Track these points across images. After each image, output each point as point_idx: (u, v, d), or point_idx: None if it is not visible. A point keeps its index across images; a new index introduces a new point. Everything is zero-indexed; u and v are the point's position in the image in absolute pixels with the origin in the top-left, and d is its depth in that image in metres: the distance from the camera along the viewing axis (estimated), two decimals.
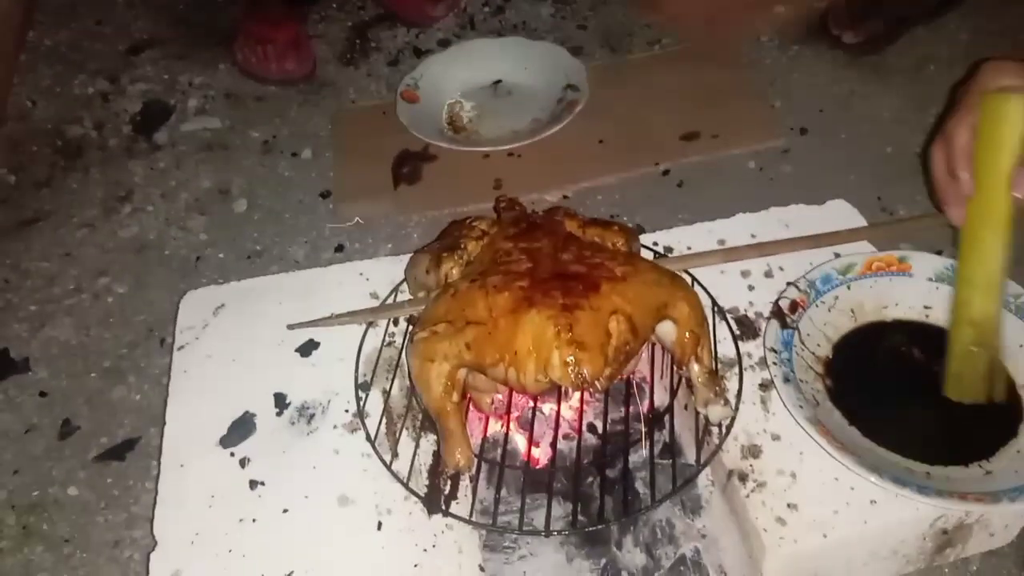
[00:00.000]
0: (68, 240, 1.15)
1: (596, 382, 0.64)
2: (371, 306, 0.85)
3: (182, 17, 1.54)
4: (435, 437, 0.74)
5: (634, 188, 1.18)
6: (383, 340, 0.82)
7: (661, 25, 1.46)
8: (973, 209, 0.72)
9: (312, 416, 0.77)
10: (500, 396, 0.78)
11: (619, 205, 1.15)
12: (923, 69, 1.33)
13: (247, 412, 0.78)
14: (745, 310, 0.83)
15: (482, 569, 0.68)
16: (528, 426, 0.78)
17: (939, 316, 0.80)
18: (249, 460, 0.74)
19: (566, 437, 0.80)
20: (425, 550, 0.68)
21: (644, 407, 0.82)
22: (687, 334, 0.71)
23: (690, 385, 0.73)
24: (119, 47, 1.49)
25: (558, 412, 0.78)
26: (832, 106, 1.28)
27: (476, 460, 0.72)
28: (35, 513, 0.86)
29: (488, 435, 0.79)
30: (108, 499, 0.87)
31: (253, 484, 0.73)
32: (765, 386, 0.77)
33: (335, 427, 0.76)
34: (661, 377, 0.82)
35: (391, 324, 0.84)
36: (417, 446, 0.74)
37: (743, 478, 0.71)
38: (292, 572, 0.67)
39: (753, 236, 0.89)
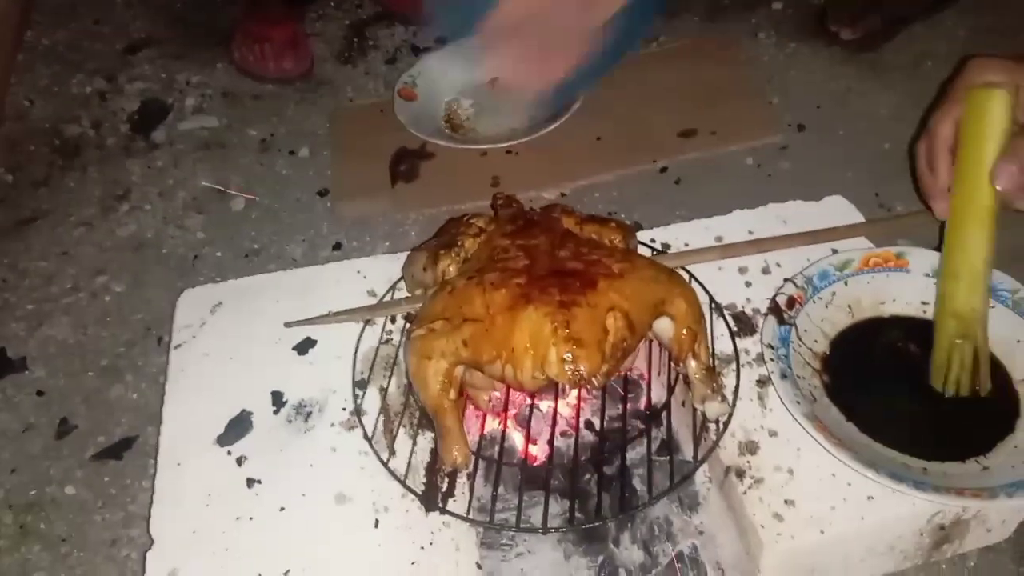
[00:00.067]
0: (66, 239, 1.15)
1: (593, 379, 0.64)
2: (368, 304, 0.85)
3: (180, 17, 1.54)
4: (432, 435, 0.74)
5: (632, 185, 1.18)
6: (380, 338, 0.82)
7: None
8: (957, 203, 0.74)
9: (309, 414, 0.77)
10: (497, 393, 0.78)
11: (617, 202, 1.15)
12: (921, 66, 1.32)
13: (244, 410, 0.78)
14: (742, 306, 0.83)
15: (479, 566, 0.69)
16: (525, 423, 0.78)
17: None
18: (246, 458, 0.74)
19: (563, 434, 0.80)
20: (422, 548, 0.68)
21: (641, 404, 0.82)
22: (684, 331, 0.71)
23: (687, 382, 0.73)
24: (117, 46, 1.48)
25: (555, 409, 0.78)
26: (830, 103, 1.28)
27: (473, 457, 0.72)
28: (32, 512, 0.86)
29: (485, 432, 0.79)
30: (105, 498, 0.87)
31: (250, 482, 0.73)
32: (762, 382, 0.77)
33: (332, 425, 0.76)
34: (658, 374, 0.82)
35: (388, 322, 0.84)
36: (414, 444, 0.74)
37: (740, 474, 0.71)
38: (289, 570, 0.67)
39: (750, 232, 0.89)
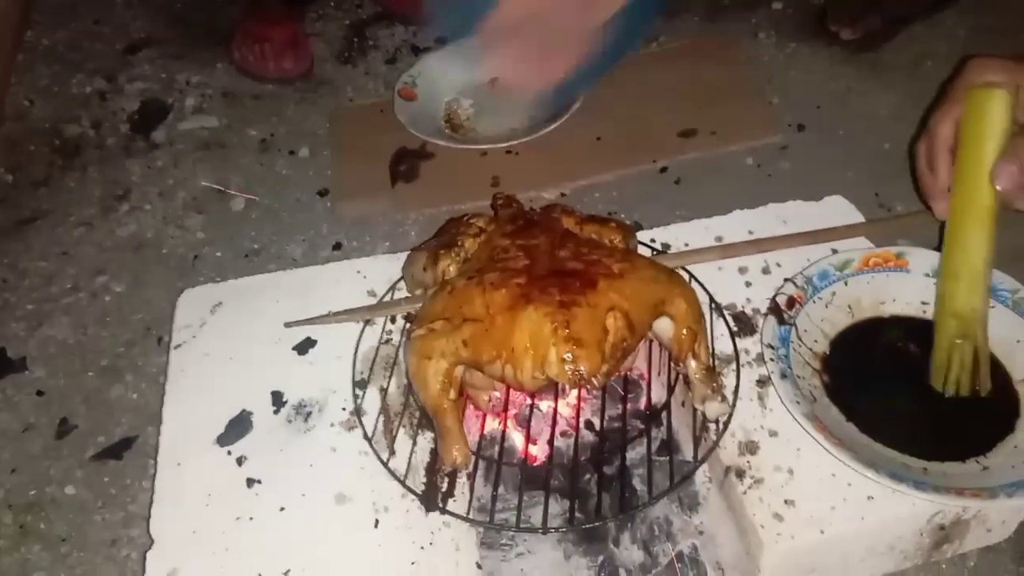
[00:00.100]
0: (66, 239, 1.15)
1: (593, 379, 0.64)
2: (368, 304, 0.85)
3: (180, 16, 1.54)
4: (432, 434, 0.74)
5: (632, 185, 1.18)
6: (380, 338, 0.82)
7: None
8: (957, 202, 0.74)
9: (309, 414, 0.77)
10: (497, 393, 0.78)
11: (617, 202, 1.15)
12: (921, 66, 1.32)
13: (244, 410, 0.78)
14: (742, 306, 0.83)
15: (479, 566, 0.68)
16: (525, 423, 0.78)
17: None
18: (246, 458, 0.74)
19: (563, 434, 0.80)
20: (422, 548, 0.68)
21: (641, 404, 0.82)
22: (684, 331, 0.71)
23: (687, 382, 0.73)
24: (117, 46, 1.48)
25: (555, 409, 0.78)
26: (830, 103, 1.28)
27: (473, 457, 0.72)
28: (32, 512, 0.86)
29: (485, 432, 0.79)
30: (105, 498, 0.87)
31: (250, 482, 0.73)
32: (762, 382, 0.77)
33: (332, 425, 0.76)
34: (659, 374, 0.82)
35: (388, 322, 0.84)
36: (414, 444, 0.74)
37: (740, 474, 0.71)
38: (289, 570, 0.67)
39: (751, 232, 0.89)
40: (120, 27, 1.52)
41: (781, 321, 0.79)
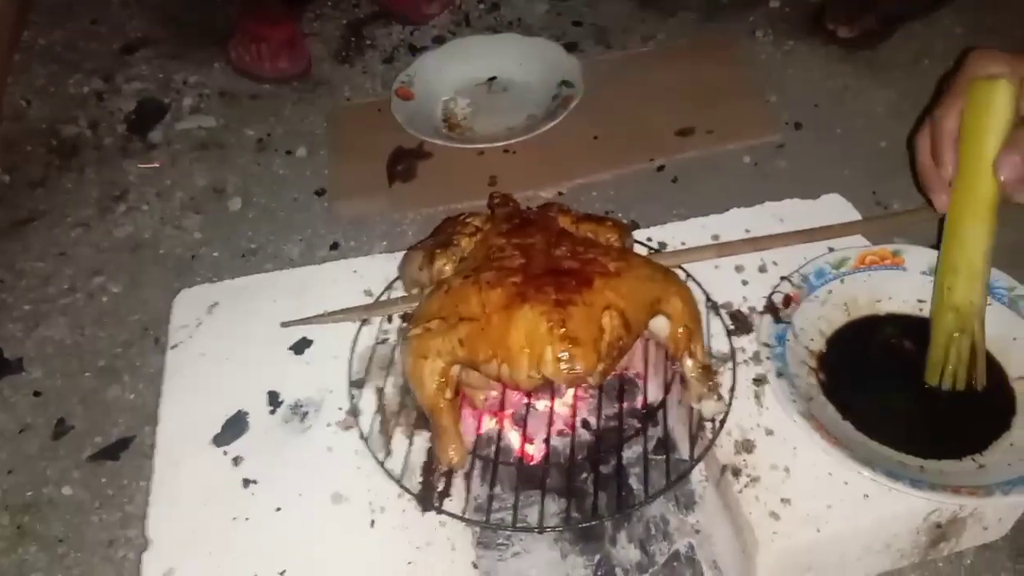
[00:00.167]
0: (63, 239, 1.15)
1: (589, 378, 0.64)
2: (365, 303, 0.85)
3: (176, 16, 1.54)
4: (429, 434, 0.74)
5: (629, 184, 1.18)
6: (377, 337, 0.82)
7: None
8: (958, 195, 0.73)
9: (306, 414, 0.77)
10: (494, 393, 0.78)
11: (614, 201, 1.15)
12: (918, 64, 1.32)
13: (240, 410, 0.78)
14: (739, 305, 0.83)
15: (476, 566, 0.68)
16: (522, 422, 0.78)
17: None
18: (242, 458, 0.74)
19: (560, 433, 0.79)
20: (419, 547, 0.68)
21: (638, 402, 0.82)
22: (680, 329, 0.71)
23: (684, 380, 0.73)
24: (114, 46, 1.48)
25: (552, 408, 0.78)
26: (827, 101, 1.28)
27: (470, 457, 0.72)
28: (29, 513, 0.86)
29: (482, 432, 0.79)
30: (102, 498, 0.87)
31: (246, 482, 0.73)
32: (759, 381, 0.77)
33: (329, 425, 0.76)
34: (655, 373, 0.81)
35: (385, 321, 0.84)
36: (411, 443, 0.74)
37: (736, 473, 0.70)
38: (285, 570, 0.67)
39: (747, 231, 0.89)
40: (117, 27, 1.52)
41: (777, 319, 0.79)
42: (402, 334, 0.80)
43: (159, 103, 1.36)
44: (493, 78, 1.36)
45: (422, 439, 0.74)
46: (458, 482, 0.72)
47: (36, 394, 0.96)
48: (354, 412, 0.76)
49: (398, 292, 0.84)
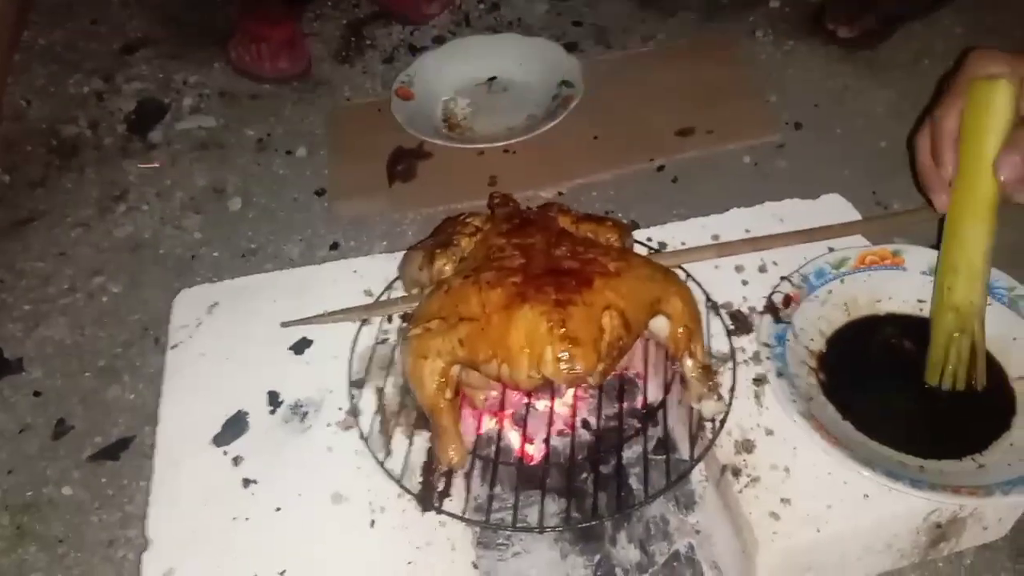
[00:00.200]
0: (63, 239, 1.15)
1: (589, 378, 0.64)
2: (365, 303, 0.85)
3: (176, 16, 1.54)
4: (429, 434, 0.74)
5: (629, 184, 1.18)
6: (377, 337, 0.82)
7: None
8: (958, 195, 0.73)
9: (306, 414, 0.77)
10: (494, 393, 0.78)
11: (614, 201, 1.15)
12: (918, 64, 1.32)
13: (240, 410, 0.78)
14: (739, 305, 0.83)
15: (476, 566, 0.68)
16: (522, 422, 0.78)
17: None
18: (242, 458, 0.74)
19: (560, 433, 0.79)
20: (418, 547, 0.68)
21: (638, 402, 0.82)
22: (680, 329, 0.71)
23: (684, 380, 0.73)
24: (114, 46, 1.48)
25: (552, 408, 0.78)
26: (827, 101, 1.28)
27: (470, 457, 0.72)
28: (29, 513, 0.86)
29: (482, 432, 0.79)
30: (102, 499, 0.87)
31: (246, 482, 0.73)
32: (759, 381, 0.77)
33: (329, 425, 0.76)
34: (655, 373, 0.81)
35: (385, 321, 0.84)
36: (411, 443, 0.74)
37: (736, 473, 0.70)
38: (285, 570, 0.67)
39: (747, 231, 0.89)
40: (117, 27, 1.52)
41: (777, 319, 0.79)
42: (402, 334, 0.80)
43: (159, 103, 1.36)
44: (493, 78, 1.36)
45: (422, 439, 0.74)
46: (458, 482, 0.72)
47: (36, 394, 0.96)
48: (354, 412, 0.76)
49: (398, 292, 0.84)
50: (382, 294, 0.85)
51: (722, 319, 0.81)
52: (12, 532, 0.84)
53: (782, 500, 0.68)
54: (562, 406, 0.80)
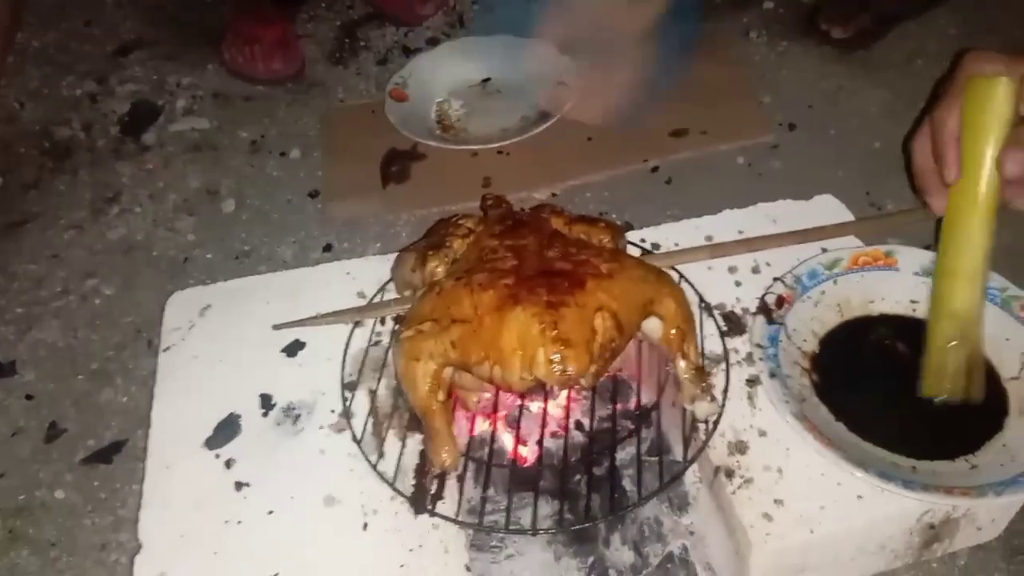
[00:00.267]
0: (56, 242, 1.15)
1: (581, 379, 0.64)
2: (358, 305, 0.85)
3: (170, 18, 1.53)
4: (421, 436, 0.74)
5: (623, 185, 1.18)
6: (370, 339, 0.82)
7: None
8: (956, 196, 0.71)
9: (298, 416, 0.77)
10: (487, 395, 0.78)
11: (608, 202, 1.15)
12: (912, 64, 1.33)
13: (233, 413, 0.77)
14: (732, 306, 0.83)
15: (469, 569, 0.68)
16: (515, 424, 0.78)
17: (925, 310, 0.79)
18: (234, 461, 0.74)
19: (553, 435, 0.79)
20: (411, 550, 0.68)
21: (631, 404, 0.82)
22: (673, 330, 0.71)
23: (677, 382, 0.73)
24: (107, 48, 1.48)
25: (545, 410, 0.78)
26: (820, 101, 1.28)
27: (463, 459, 0.72)
28: (21, 516, 0.86)
29: (475, 434, 0.79)
30: (95, 502, 0.86)
31: (239, 485, 0.72)
32: (752, 382, 0.76)
33: (321, 427, 0.76)
34: (648, 374, 0.81)
35: (378, 323, 0.83)
36: (403, 446, 0.74)
37: (730, 474, 0.70)
38: (278, 573, 0.67)
39: (740, 232, 0.89)
40: (111, 28, 1.52)
41: (770, 320, 0.79)
42: (395, 336, 0.80)
43: (152, 105, 1.36)
44: (487, 79, 1.36)
45: (415, 441, 0.74)
46: (451, 484, 0.72)
47: (28, 397, 0.96)
48: (347, 414, 0.76)
49: (391, 294, 0.84)
50: (375, 296, 0.85)
51: (715, 320, 0.81)
52: (4, 536, 0.84)
53: (775, 501, 0.68)
54: (555, 408, 0.80)
